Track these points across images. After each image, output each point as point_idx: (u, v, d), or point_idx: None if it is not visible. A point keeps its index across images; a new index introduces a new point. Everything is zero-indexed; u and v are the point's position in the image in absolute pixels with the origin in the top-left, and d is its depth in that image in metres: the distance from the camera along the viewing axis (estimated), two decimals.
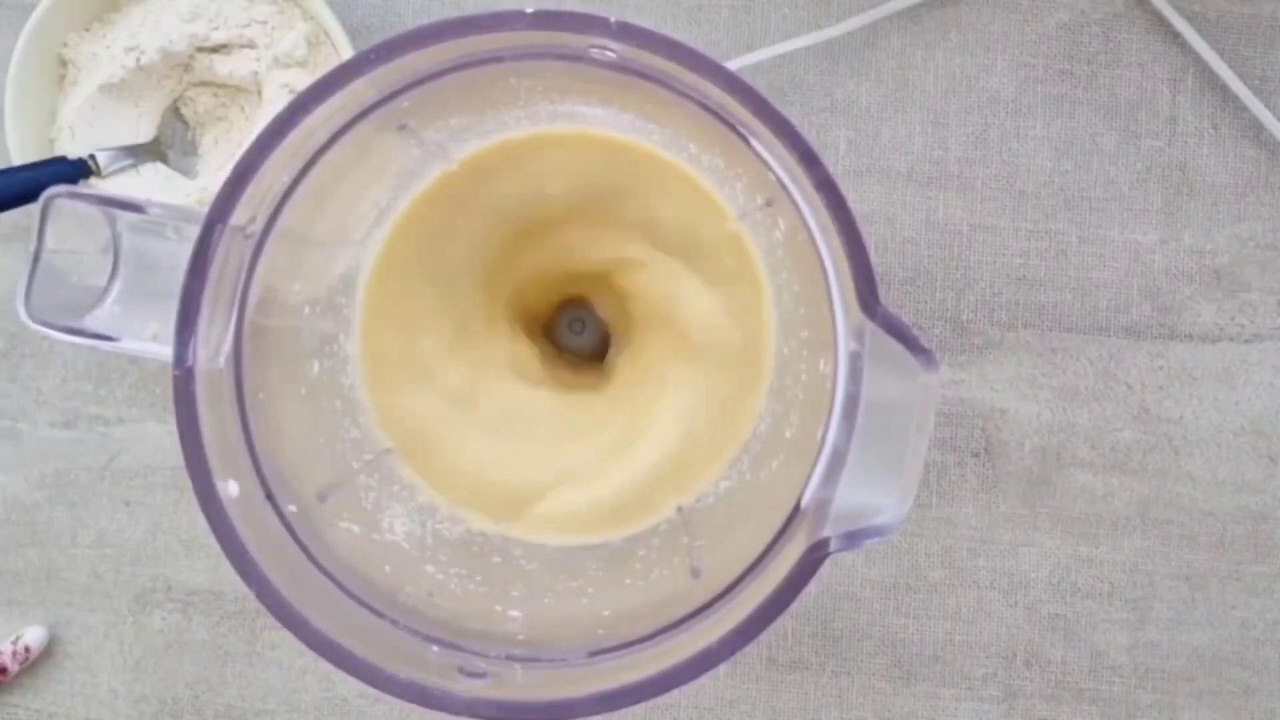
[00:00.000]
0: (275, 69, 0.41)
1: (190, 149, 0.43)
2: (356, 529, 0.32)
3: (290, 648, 0.43)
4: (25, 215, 0.41)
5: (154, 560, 0.43)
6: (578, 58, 0.27)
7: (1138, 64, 0.43)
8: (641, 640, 0.28)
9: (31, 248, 0.28)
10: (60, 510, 0.43)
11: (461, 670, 0.28)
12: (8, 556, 0.43)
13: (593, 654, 0.28)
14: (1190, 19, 0.42)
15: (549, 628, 0.31)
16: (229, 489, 0.27)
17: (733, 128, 0.27)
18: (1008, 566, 0.43)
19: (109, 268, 0.28)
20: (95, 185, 0.41)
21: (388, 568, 0.31)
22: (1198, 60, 0.42)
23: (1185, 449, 0.43)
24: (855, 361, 0.26)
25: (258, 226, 0.28)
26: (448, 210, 0.34)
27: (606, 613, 0.32)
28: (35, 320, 0.28)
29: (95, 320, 0.28)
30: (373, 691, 0.26)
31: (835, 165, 0.43)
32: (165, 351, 0.27)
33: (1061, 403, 0.43)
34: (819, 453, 0.27)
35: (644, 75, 0.27)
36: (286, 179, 0.28)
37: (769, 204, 0.31)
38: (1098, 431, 0.43)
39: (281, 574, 0.27)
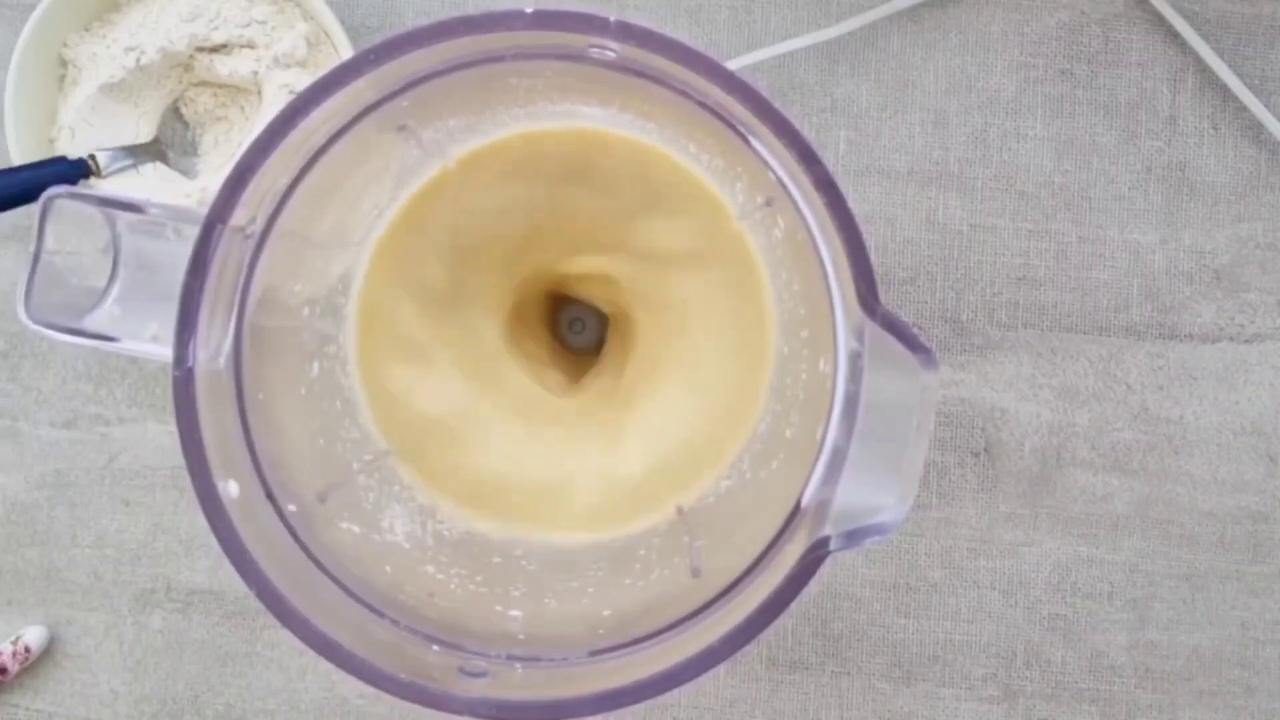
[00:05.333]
0: (275, 69, 0.41)
1: (190, 149, 0.43)
2: (357, 529, 0.32)
3: (290, 648, 0.43)
4: (25, 215, 0.41)
5: (154, 560, 0.43)
6: (577, 57, 0.27)
7: (1138, 64, 0.43)
8: (641, 640, 0.28)
9: (31, 248, 0.28)
10: (60, 510, 0.43)
11: (462, 670, 0.28)
12: (8, 556, 0.43)
13: (593, 654, 0.28)
14: (1190, 19, 0.42)
15: (549, 627, 0.31)
16: (229, 489, 0.27)
17: (733, 127, 0.27)
18: (1008, 566, 0.43)
19: (109, 268, 0.28)
20: (95, 185, 0.41)
21: (388, 568, 0.31)
22: (1198, 60, 0.42)
23: (1185, 449, 0.43)
24: (855, 361, 0.26)
25: (257, 227, 0.28)
26: (444, 209, 0.34)
27: (607, 613, 0.32)
28: (35, 321, 0.28)
29: (95, 321, 0.28)
30: (373, 691, 0.26)
31: (835, 165, 0.43)
32: (165, 352, 0.27)
33: (1061, 403, 0.43)
34: (819, 452, 0.27)
35: (644, 75, 0.27)
36: (286, 179, 0.28)
37: (769, 203, 0.31)
38: (1098, 431, 0.43)
39: (281, 574, 0.27)
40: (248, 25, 0.41)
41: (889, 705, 0.43)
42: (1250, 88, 0.42)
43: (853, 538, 0.26)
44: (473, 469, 0.35)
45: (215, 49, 0.41)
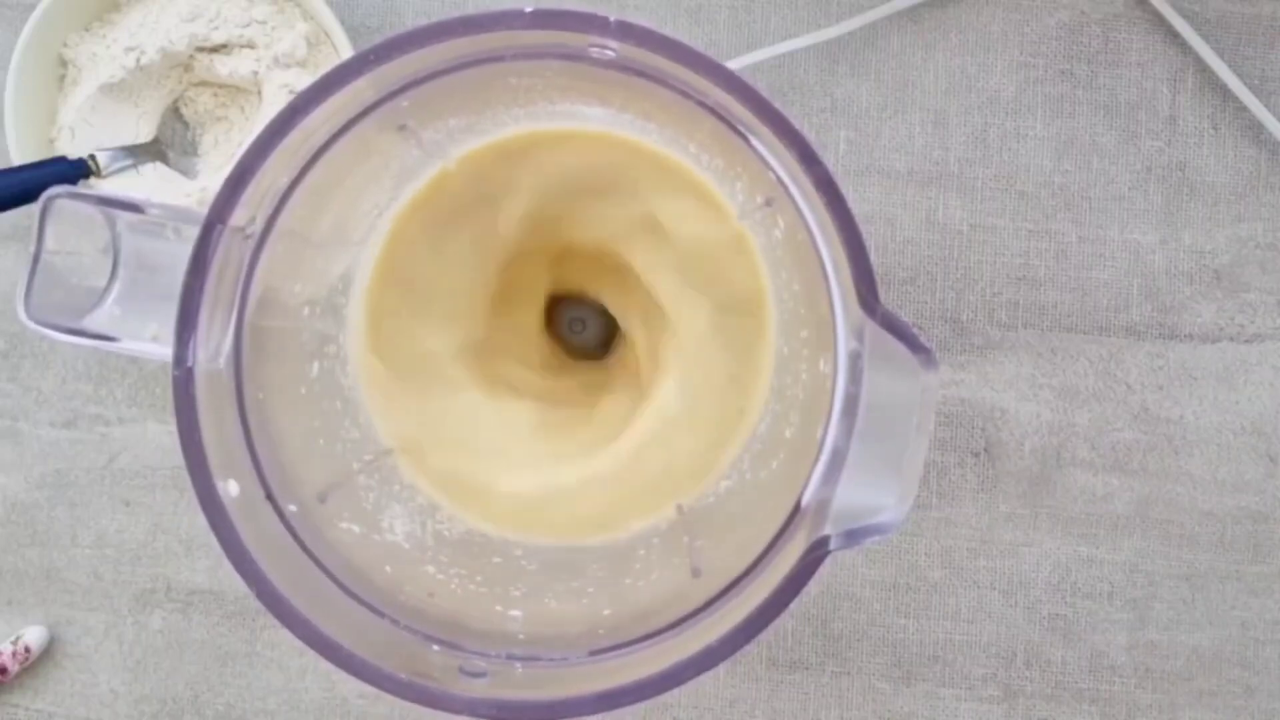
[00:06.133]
0: (275, 69, 0.41)
1: (190, 149, 0.43)
2: (357, 529, 0.32)
3: (290, 648, 0.43)
4: (25, 215, 0.41)
5: (154, 560, 0.43)
6: (577, 57, 0.27)
7: (1138, 64, 0.43)
8: (641, 640, 0.28)
9: (31, 248, 0.28)
10: (60, 510, 0.43)
11: (462, 670, 0.28)
12: (8, 556, 0.43)
13: (593, 654, 0.28)
14: (1190, 19, 0.42)
15: (549, 627, 0.31)
16: (229, 489, 0.27)
17: (733, 127, 0.27)
18: (1008, 566, 0.43)
19: (109, 268, 0.28)
20: (95, 185, 0.41)
21: (388, 568, 0.31)
22: (1198, 60, 0.42)
23: (1185, 449, 0.43)
24: (855, 361, 0.26)
25: (257, 227, 0.28)
26: (446, 210, 0.34)
27: (607, 612, 0.32)
28: (35, 321, 0.28)
29: (95, 321, 0.28)
30: (373, 691, 0.26)
31: (835, 165, 0.43)
32: (165, 352, 0.27)
33: (1061, 403, 0.43)
34: (819, 452, 0.27)
35: (643, 74, 0.27)
36: (286, 179, 0.28)
37: (769, 203, 0.31)
38: (1098, 431, 0.43)
39: (281, 574, 0.27)
40: (248, 25, 0.41)
41: (889, 705, 0.43)
42: (1250, 88, 0.42)
43: (853, 538, 0.26)
44: (472, 471, 0.35)
45: (215, 49, 0.41)
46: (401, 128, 0.31)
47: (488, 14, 0.26)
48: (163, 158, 0.42)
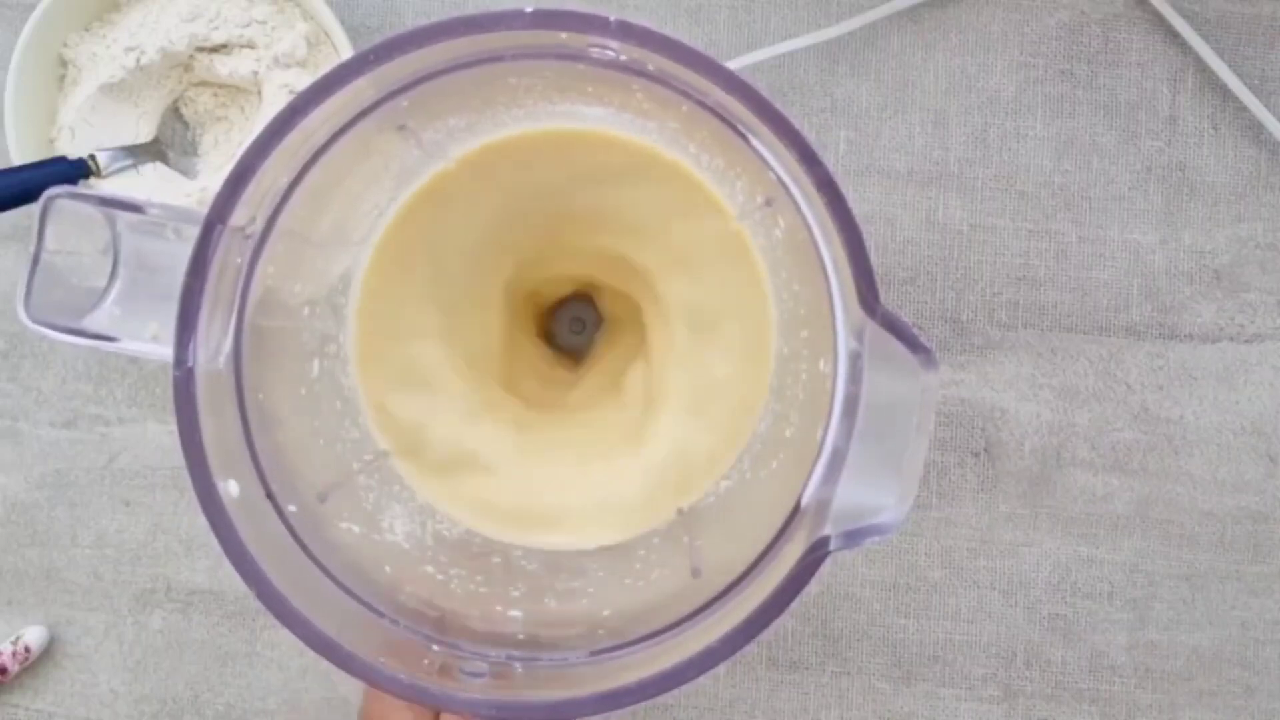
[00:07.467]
0: (275, 69, 0.41)
1: (190, 149, 0.43)
2: (357, 529, 0.32)
3: (290, 648, 0.43)
4: (25, 215, 0.41)
5: (154, 560, 0.43)
6: (577, 57, 0.27)
7: (1138, 64, 0.43)
8: (641, 640, 0.28)
9: (31, 248, 0.28)
10: (60, 510, 0.43)
11: (462, 670, 0.28)
12: (8, 556, 0.43)
13: (593, 654, 0.28)
14: (1190, 19, 0.42)
15: (549, 628, 0.31)
16: (229, 489, 0.27)
17: (733, 127, 0.27)
18: (1008, 566, 0.43)
19: (109, 268, 0.28)
20: (95, 185, 0.41)
21: (388, 568, 0.31)
22: (1198, 60, 0.42)
23: (1185, 449, 0.43)
24: (855, 361, 0.26)
25: (257, 227, 0.28)
26: (444, 209, 0.34)
27: (607, 613, 0.31)
28: (35, 321, 0.28)
29: (95, 321, 0.28)
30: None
31: (835, 165, 0.43)
32: (165, 352, 0.27)
33: (1061, 403, 0.43)
34: (819, 452, 0.27)
35: (643, 74, 0.27)
36: (286, 179, 0.28)
37: (769, 203, 0.31)
38: (1098, 431, 0.43)
39: (281, 574, 0.27)
40: (248, 25, 0.41)
41: (889, 705, 0.43)
42: (1250, 88, 0.42)
43: (853, 538, 0.26)
44: (470, 471, 0.35)
45: (215, 49, 0.41)
46: (401, 128, 0.31)
47: (488, 14, 0.26)
48: (163, 158, 0.42)
